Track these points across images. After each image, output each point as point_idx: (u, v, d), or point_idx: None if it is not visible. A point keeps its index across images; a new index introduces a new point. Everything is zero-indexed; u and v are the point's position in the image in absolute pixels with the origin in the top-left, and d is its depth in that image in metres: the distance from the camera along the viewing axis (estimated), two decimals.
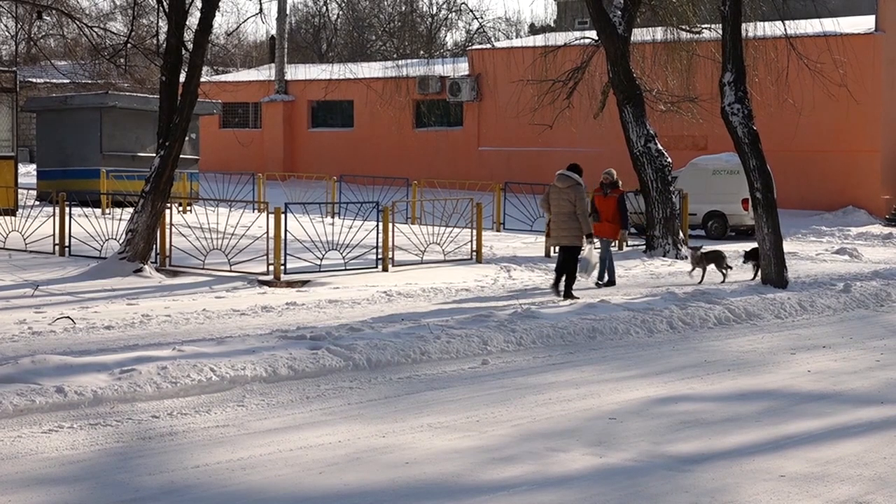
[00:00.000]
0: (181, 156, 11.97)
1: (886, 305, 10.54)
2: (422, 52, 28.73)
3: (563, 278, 9.94)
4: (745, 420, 5.77)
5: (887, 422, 5.84)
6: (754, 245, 11.72)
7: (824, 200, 21.18)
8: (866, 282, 11.50)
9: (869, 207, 21.15)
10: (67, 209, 12.11)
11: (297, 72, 28.52)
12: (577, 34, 19.32)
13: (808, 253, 15.40)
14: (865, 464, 4.95)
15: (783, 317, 9.56)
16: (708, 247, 12.40)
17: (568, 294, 9.86)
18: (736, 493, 4.50)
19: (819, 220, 20.23)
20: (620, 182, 11.64)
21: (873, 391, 6.62)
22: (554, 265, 10.82)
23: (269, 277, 10.64)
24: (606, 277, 11.09)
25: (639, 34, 16.46)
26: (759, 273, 11.28)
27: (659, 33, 16.86)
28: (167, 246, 11.55)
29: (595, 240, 10.46)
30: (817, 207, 21.17)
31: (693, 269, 11.51)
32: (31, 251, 12.04)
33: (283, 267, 10.82)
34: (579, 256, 10.05)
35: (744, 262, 12.04)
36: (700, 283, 11.13)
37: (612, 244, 11.73)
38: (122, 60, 15.16)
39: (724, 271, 11.45)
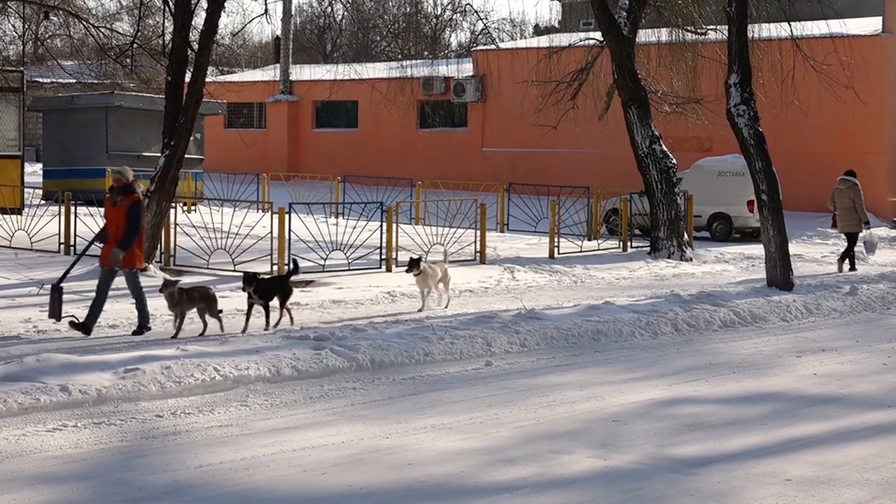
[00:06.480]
0: (186, 156, 11.99)
1: (893, 308, 10.49)
2: (426, 53, 28.75)
3: (850, 255, 13.15)
4: (750, 423, 5.74)
5: (894, 426, 5.80)
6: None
7: None
8: (873, 284, 11.44)
9: (875, 210, 21.04)
10: (73, 208, 12.14)
11: (302, 72, 28.54)
12: (582, 35, 19.27)
13: (813, 255, 15.36)
14: (872, 468, 4.91)
15: (789, 319, 9.52)
16: (192, 281, 8.82)
17: (853, 267, 13.05)
18: (741, 496, 4.48)
19: (825, 223, 20.12)
20: (140, 187, 8.03)
21: (880, 395, 6.58)
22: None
23: None
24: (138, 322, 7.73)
25: (644, 35, 16.40)
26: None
27: (664, 34, 16.80)
28: (172, 245, 11.57)
29: (867, 228, 12.24)
30: (823, 210, 21.02)
31: (176, 318, 7.64)
32: (36, 250, 12.06)
33: (286, 267, 10.82)
34: (863, 240, 13.45)
35: (243, 290, 8.01)
36: (175, 335, 7.47)
37: (140, 272, 7.92)
38: (128, 61, 15.15)
39: (218, 318, 7.67)
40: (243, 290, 7.95)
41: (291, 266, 8.45)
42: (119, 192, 7.80)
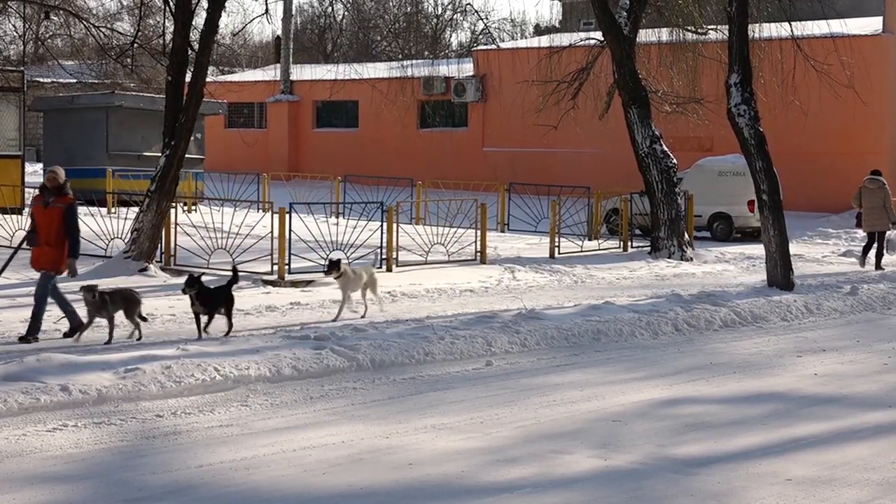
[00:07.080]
0: (186, 155, 11.99)
1: (894, 309, 10.49)
2: (427, 53, 28.73)
3: (878, 254, 13.23)
4: (751, 423, 5.74)
5: (895, 426, 5.80)
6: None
7: (831, 202, 21.10)
8: (873, 284, 11.44)
9: None
10: None
11: (303, 72, 28.56)
12: (583, 35, 19.28)
13: (814, 255, 15.35)
14: (873, 468, 4.91)
15: (789, 319, 9.52)
16: (113, 284, 8.35)
17: (878, 266, 13.17)
18: (742, 496, 4.48)
19: (825, 223, 20.17)
20: (69, 188, 7.46)
21: (881, 395, 6.58)
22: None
23: (274, 277, 10.64)
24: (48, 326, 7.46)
25: (644, 35, 16.41)
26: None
27: (664, 34, 16.80)
28: (172, 245, 11.57)
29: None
30: (824, 209, 21.08)
31: (89, 322, 7.35)
32: None
33: (287, 267, 10.82)
34: (886, 238, 13.37)
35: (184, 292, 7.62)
36: (108, 342, 7.16)
37: (55, 278, 7.47)
38: (128, 60, 15.18)
39: (137, 321, 7.39)
40: (184, 292, 7.49)
41: (232, 274, 7.98)
42: (52, 193, 7.34)
